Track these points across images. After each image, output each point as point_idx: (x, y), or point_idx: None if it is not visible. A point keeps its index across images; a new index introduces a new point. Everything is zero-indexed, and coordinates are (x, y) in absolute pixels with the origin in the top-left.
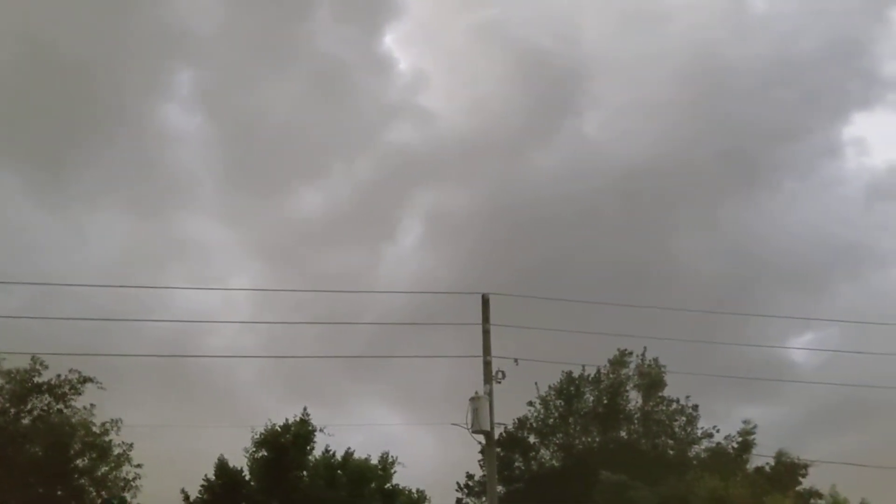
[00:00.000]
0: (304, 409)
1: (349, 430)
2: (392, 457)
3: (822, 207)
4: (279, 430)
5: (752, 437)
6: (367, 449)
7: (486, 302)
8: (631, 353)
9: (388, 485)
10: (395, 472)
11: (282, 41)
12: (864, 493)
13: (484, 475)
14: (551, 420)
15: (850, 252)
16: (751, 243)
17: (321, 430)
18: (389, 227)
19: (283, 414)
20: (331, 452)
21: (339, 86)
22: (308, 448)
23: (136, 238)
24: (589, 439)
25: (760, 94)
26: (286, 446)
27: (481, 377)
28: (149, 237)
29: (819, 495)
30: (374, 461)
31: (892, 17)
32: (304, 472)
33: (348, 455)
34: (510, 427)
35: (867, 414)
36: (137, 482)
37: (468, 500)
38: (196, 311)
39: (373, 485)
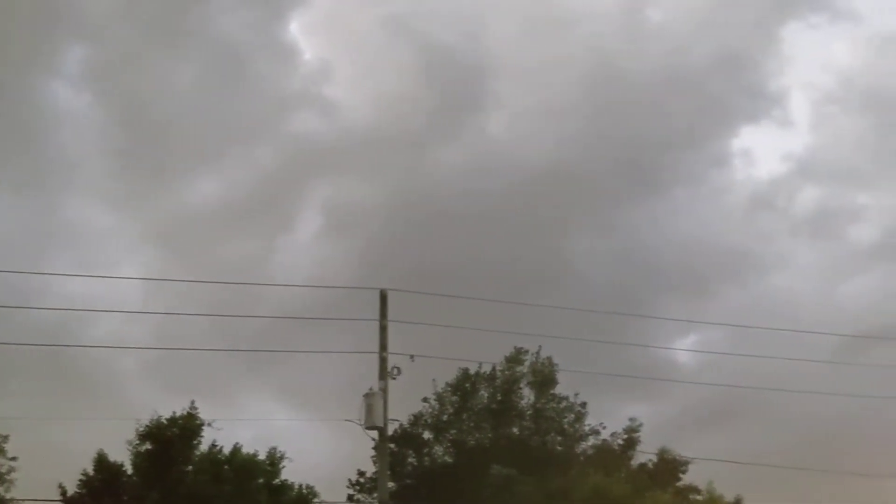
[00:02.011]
0: (192, 402)
1: (239, 425)
2: (280, 452)
3: (709, 215)
4: (165, 423)
5: (637, 434)
6: (258, 444)
7: (384, 298)
8: (526, 352)
9: (277, 480)
10: (283, 467)
11: (180, 21)
12: (739, 489)
13: (376, 471)
14: (445, 416)
15: (734, 258)
16: (643, 248)
17: (209, 424)
18: (287, 218)
19: (170, 407)
20: (218, 447)
21: (240, 71)
22: (194, 442)
23: (17, 220)
24: (481, 435)
25: (655, 104)
26: (171, 440)
27: (377, 373)
28: (30, 220)
29: (697, 491)
30: (263, 456)
31: (781, 35)
32: (190, 467)
33: (236, 450)
34: (405, 423)
35: (744, 413)
36: (12, 476)
37: (359, 496)
38: (81, 298)
39: (260, 480)
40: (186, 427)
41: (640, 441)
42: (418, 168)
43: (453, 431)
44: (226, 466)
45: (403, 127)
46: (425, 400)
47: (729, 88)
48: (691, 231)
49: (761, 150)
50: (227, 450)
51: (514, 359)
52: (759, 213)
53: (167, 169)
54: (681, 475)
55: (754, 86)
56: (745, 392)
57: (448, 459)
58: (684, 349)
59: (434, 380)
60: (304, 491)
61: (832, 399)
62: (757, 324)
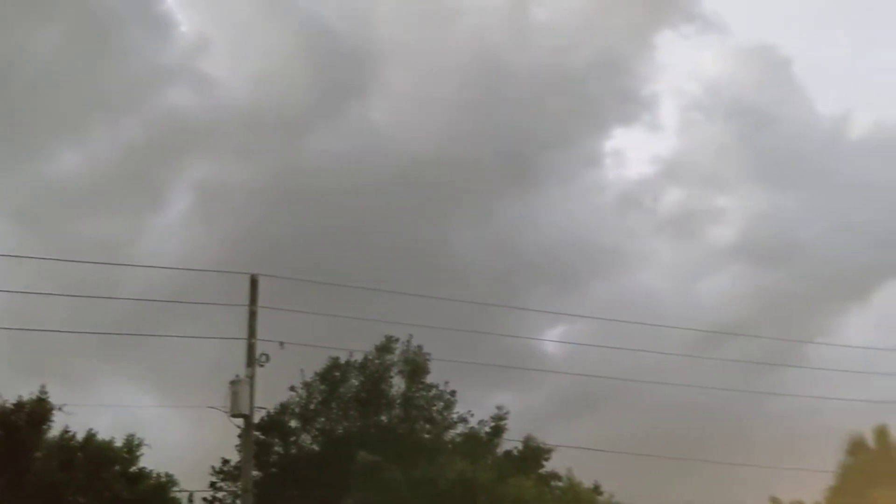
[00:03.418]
0: (42, 386)
1: (97, 411)
2: (139, 439)
3: (581, 212)
4: (12, 407)
5: (504, 422)
6: (116, 431)
7: (254, 283)
8: (397, 340)
9: (134, 468)
10: (141, 454)
11: None
12: (599, 476)
13: (241, 460)
14: (313, 405)
15: (603, 254)
16: (518, 241)
17: (60, 409)
18: (156, 196)
19: (18, 391)
20: (71, 433)
21: (110, 40)
22: (44, 427)
23: None
24: (349, 424)
25: (535, 101)
26: (18, 425)
27: (245, 360)
28: None
29: (558, 478)
30: (120, 444)
31: (655, 42)
32: (39, 453)
33: (90, 436)
34: (271, 411)
35: (607, 402)
36: None
37: (223, 484)
38: None
39: (116, 468)
40: (35, 412)
41: (506, 429)
42: (296, 151)
43: (321, 420)
44: (79, 454)
45: (283, 108)
46: (292, 388)
47: (604, 91)
48: (564, 226)
49: (631, 152)
50: (80, 436)
51: (385, 347)
52: (628, 212)
53: (25, 138)
54: (544, 462)
55: (627, 90)
56: (608, 382)
57: (315, 448)
58: (552, 340)
59: (302, 369)
60: (163, 479)
61: (688, 390)
62: (621, 317)
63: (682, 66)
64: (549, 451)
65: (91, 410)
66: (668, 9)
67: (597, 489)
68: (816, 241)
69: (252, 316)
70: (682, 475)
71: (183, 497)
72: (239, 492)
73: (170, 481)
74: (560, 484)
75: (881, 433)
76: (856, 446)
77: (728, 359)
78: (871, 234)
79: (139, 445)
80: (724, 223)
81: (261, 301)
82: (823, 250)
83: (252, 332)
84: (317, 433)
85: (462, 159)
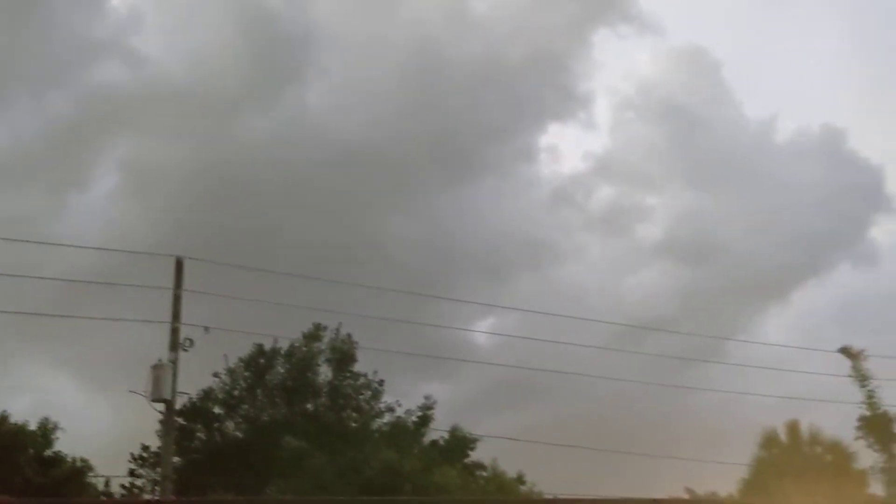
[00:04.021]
0: None
1: (10, 394)
2: (53, 423)
3: (515, 206)
4: None
5: (432, 412)
6: (34, 415)
7: (179, 266)
8: (326, 328)
9: (48, 452)
10: (56, 438)
11: None
12: (523, 466)
13: (161, 446)
14: (237, 392)
15: (534, 248)
16: (451, 233)
17: None
18: (80, 173)
19: None
20: None
21: (36, 11)
22: None
23: None
24: (275, 411)
25: (472, 94)
26: None
27: (168, 344)
28: None
29: (483, 468)
30: (34, 427)
31: (592, 40)
32: None
33: (2, 419)
34: (194, 397)
35: (533, 394)
36: None
37: (142, 471)
38: None
39: (30, 451)
40: None
41: (434, 419)
42: (228, 133)
43: (245, 407)
44: None
45: (216, 89)
46: (216, 375)
47: (541, 86)
48: (498, 219)
49: (566, 148)
50: None
51: (313, 335)
52: (560, 207)
53: None
54: (470, 452)
55: (564, 86)
56: (535, 374)
57: (239, 435)
58: (480, 331)
59: (226, 355)
60: (79, 464)
61: (613, 383)
62: (550, 310)
63: (617, 65)
64: (474, 441)
65: (7, 393)
66: (606, 8)
67: (520, 479)
68: (738, 241)
69: (177, 299)
70: (604, 466)
71: (100, 483)
72: (158, 479)
73: (86, 466)
74: (485, 474)
75: (793, 428)
76: (769, 441)
77: (652, 353)
78: (791, 236)
79: (54, 429)
80: (652, 221)
81: (186, 284)
82: (744, 250)
83: (176, 315)
84: (241, 420)
85: (398, 149)
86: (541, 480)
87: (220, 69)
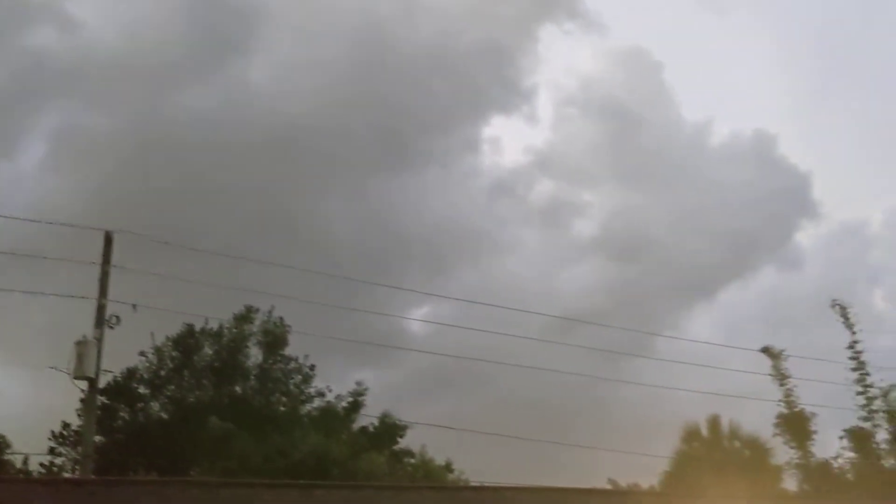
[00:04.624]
0: None
1: None
2: None
3: (456, 196)
4: None
5: (363, 398)
6: None
7: (108, 240)
8: (257, 310)
9: None
10: None
11: None
12: (452, 454)
13: (82, 424)
14: (164, 371)
15: (473, 238)
16: (392, 219)
17: None
18: (6, 142)
19: None
20: None
21: None
22: None
23: None
24: (202, 393)
25: (418, 80)
26: None
27: (93, 321)
28: None
29: (411, 454)
30: None
31: (538, 35)
32: None
33: None
34: (118, 376)
35: (465, 383)
36: None
37: (62, 449)
38: None
39: None
40: None
41: (364, 405)
42: (165, 106)
43: (171, 388)
44: None
45: (154, 59)
46: (142, 354)
47: (487, 78)
48: (438, 208)
49: (508, 140)
50: None
51: (244, 317)
52: (500, 199)
53: None
54: (399, 439)
55: (509, 79)
56: (467, 363)
57: (164, 416)
58: (414, 318)
59: (153, 333)
60: None
61: (544, 374)
62: (486, 300)
63: (561, 61)
64: (404, 428)
65: None
66: (553, 4)
67: (448, 466)
68: (668, 240)
69: (104, 275)
70: (534, 456)
71: (17, 461)
72: (79, 457)
73: (3, 443)
74: (412, 461)
75: (713, 423)
76: (690, 434)
77: (584, 346)
78: (721, 236)
79: None
80: (588, 217)
81: (115, 260)
82: (675, 249)
83: (103, 291)
84: (166, 401)
85: (340, 129)
86: (470, 469)
87: (158, 37)
